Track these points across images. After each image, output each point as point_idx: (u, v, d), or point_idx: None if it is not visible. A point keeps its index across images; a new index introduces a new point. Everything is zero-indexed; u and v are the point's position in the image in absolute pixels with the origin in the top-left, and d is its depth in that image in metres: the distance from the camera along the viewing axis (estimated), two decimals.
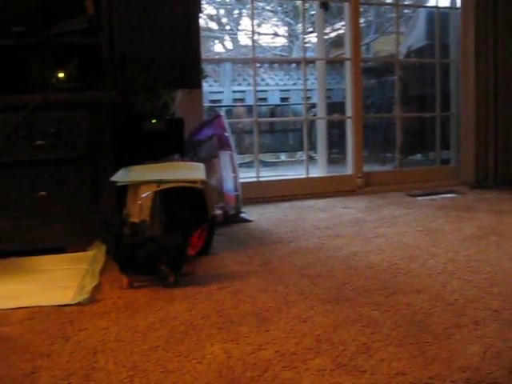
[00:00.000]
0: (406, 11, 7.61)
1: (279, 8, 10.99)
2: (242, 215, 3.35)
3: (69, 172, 2.54)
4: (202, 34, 3.21)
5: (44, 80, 2.64)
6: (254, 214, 3.48)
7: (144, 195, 2.38)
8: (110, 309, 1.86)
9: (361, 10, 4.39)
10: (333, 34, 9.79)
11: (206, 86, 6.52)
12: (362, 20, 4.58)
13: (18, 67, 2.69)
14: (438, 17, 4.84)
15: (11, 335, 1.66)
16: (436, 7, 4.89)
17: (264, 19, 11.40)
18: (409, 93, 6.03)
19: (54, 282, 2.19)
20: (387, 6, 8.93)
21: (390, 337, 1.54)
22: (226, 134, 3.38)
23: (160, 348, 1.53)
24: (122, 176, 2.55)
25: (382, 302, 1.83)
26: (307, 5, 5.94)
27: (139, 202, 2.37)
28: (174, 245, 2.06)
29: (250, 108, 8.05)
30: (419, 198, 4.02)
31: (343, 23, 5.50)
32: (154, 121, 3.01)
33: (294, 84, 9.43)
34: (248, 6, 10.64)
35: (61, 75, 2.58)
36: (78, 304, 1.91)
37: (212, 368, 1.39)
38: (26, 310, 1.87)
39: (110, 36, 2.69)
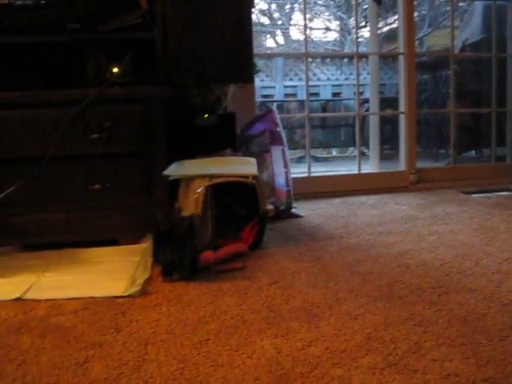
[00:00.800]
0: (461, 4, 7.46)
1: (331, 2, 10.92)
2: (294, 210, 3.34)
3: (122, 165, 2.57)
4: (254, 28, 3.21)
5: (99, 75, 2.68)
6: (305, 209, 3.47)
7: (199, 190, 2.39)
8: (161, 301, 1.89)
9: (415, 3, 4.32)
10: (386, 28, 9.68)
11: (258, 81, 6.52)
12: (415, 14, 4.50)
13: (73, 63, 2.74)
14: (494, 10, 4.73)
15: (65, 325, 1.70)
16: (493, 0, 4.77)
17: (316, 13, 11.35)
18: (463, 88, 5.91)
19: (107, 273, 2.23)
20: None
21: (443, 336, 1.52)
22: (277, 129, 3.38)
23: (210, 341, 1.54)
24: (174, 170, 2.58)
25: (434, 301, 1.80)
26: None
27: (196, 195, 2.38)
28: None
29: (301, 103, 8.04)
30: (473, 195, 3.94)
31: (396, 17, 5.43)
32: (206, 115, 3.02)
33: (346, 79, 9.36)
34: (300, 0, 10.60)
35: (115, 70, 2.61)
36: (130, 296, 1.93)
37: (261, 363, 1.39)
38: (80, 301, 1.90)
39: (163, 31, 2.71)
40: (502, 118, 4.82)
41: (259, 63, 4.32)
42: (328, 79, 9.43)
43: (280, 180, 3.29)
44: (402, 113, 4.34)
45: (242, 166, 2.67)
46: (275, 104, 8.20)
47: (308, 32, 10.16)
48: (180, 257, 2.09)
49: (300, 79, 9.06)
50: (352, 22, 9.91)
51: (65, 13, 2.60)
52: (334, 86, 9.26)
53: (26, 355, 1.48)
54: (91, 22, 2.62)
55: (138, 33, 2.66)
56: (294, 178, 3.53)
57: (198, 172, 2.52)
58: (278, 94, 8.95)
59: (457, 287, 1.93)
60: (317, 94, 8.93)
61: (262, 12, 11.00)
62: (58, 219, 2.55)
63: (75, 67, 2.73)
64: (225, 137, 3.09)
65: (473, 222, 3.00)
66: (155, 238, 2.24)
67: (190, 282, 2.07)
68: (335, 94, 9.13)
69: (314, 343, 1.50)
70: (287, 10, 11.58)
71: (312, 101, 8.12)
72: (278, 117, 3.43)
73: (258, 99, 4.97)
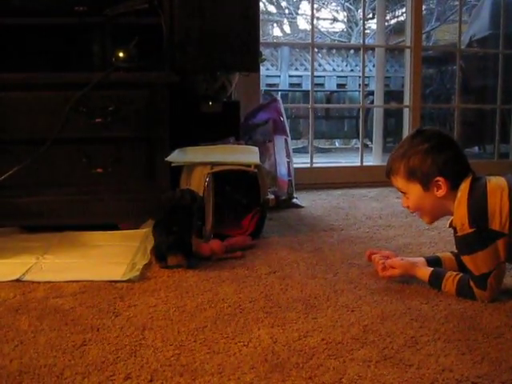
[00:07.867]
0: None
1: None
2: (294, 201, 3.34)
3: (125, 150, 2.57)
4: (261, 17, 3.19)
5: (104, 59, 2.68)
6: (306, 200, 3.47)
7: (208, 178, 2.39)
8: (160, 287, 1.89)
9: None
10: (393, 21, 9.63)
11: (263, 70, 6.50)
12: (423, 7, 4.48)
13: (79, 46, 2.73)
14: (503, 6, 4.70)
15: (63, 307, 1.71)
16: None
17: (323, 4, 11.29)
18: (469, 83, 5.88)
19: (106, 257, 2.23)
20: None
21: (439, 332, 1.52)
22: (281, 119, 3.37)
23: (207, 329, 1.54)
24: (177, 157, 2.58)
25: (431, 296, 1.80)
26: None
27: (206, 183, 2.38)
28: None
29: (306, 93, 8.01)
30: None
31: (404, 10, 5.41)
32: (210, 103, 3.02)
33: (352, 70, 9.31)
34: None
35: (121, 55, 2.61)
36: (129, 281, 1.94)
37: (257, 352, 1.40)
38: (79, 284, 1.91)
39: (170, 17, 2.70)
40: (506, 115, 4.80)
41: (265, 52, 4.30)
42: (333, 70, 9.38)
43: (282, 170, 3.29)
44: (407, 106, 4.33)
45: (245, 155, 2.66)
46: (280, 93, 8.16)
47: (315, 22, 10.09)
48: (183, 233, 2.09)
49: (305, 69, 9.01)
50: (359, 13, 9.87)
51: None
52: (339, 77, 9.20)
53: (23, 336, 1.49)
54: (98, 5, 2.61)
55: (144, 18, 2.66)
56: (295, 168, 3.53)
57: (201, 159, 2.52)
58: (283, 84, 8.91)
59: None
60: (322, 85, 8.89)
61: (270, 0, 10.95)
62: (59, 202, 2.55)
63: (81, 51, 2.73)
64: (228, 125, 3.08)
65: None
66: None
67: (189, 269, 2.07)
68: (340, 85, 9.08)
69: (310, 334, 1.50)
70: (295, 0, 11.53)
71: (317, 91, 8.09)
72: (282, 106, 3.43)
73: (263, 88, 4.96)
